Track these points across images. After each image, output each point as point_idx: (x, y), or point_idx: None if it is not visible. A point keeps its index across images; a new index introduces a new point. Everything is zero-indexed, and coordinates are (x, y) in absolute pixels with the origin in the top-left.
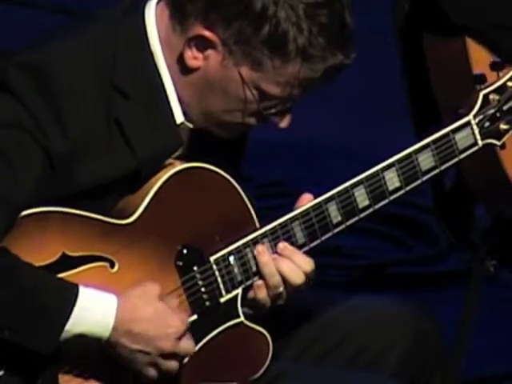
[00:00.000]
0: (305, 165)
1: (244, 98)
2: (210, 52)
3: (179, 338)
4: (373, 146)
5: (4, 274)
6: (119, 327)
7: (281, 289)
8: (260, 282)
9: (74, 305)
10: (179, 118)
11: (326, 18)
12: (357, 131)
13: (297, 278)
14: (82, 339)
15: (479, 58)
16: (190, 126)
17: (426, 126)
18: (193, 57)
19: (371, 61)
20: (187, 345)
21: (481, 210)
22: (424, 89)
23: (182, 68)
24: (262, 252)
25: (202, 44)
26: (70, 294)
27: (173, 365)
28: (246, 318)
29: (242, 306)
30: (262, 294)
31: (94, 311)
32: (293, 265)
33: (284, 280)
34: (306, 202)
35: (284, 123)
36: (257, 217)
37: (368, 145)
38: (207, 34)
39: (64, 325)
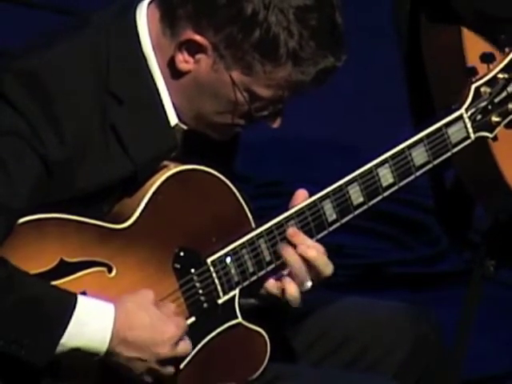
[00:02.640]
0: (302, 165)
1: (235, 100)
2: (200, 56)
3: (176, 343)
4: (371, 146)
5: (2, 284)
6: (114, 337)
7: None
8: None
9: (70, 317)
10: (173, 119)
11: (316, 21)
12: (355, 130)
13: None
14: (78, 353)
15: (470, 49)
16: (184, 127)
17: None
18: (184, 60)
19: (370, 60)
20: (184, 347)
21: (481, 210)
22: (424, 87)
23: (173, 71)
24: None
25: (193, 48)
26: (67, 307)
27: (171, 370)
28: (244, 317)
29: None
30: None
31: (90, 326)
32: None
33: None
34: (302, 198)
35: (275, 124)
36: (252, 217)
37: (366, 144)
38: (198, 38)
39: (60, 337)
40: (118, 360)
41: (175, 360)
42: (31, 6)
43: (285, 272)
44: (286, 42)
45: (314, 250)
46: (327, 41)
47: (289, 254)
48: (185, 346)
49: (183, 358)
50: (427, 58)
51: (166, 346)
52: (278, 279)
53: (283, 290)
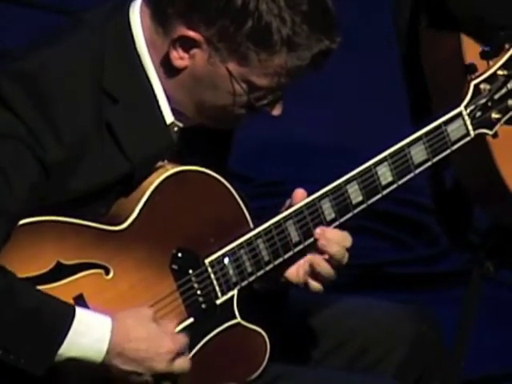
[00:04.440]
0: (302, 164)
1: (233, 91)
2: (195, 51)
3: (173, 359)
4: (371, 145)
5: (2, 295)
6: (112, 350)
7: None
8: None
9: (68, 329)
10: (169, 117)
11: (307, 6)
12: (355, 130)
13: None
14: (75, 362)
15: (470, 47)
16: (180, 125)
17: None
18: (179, 57)
19: (370, 60)
20: (182, 364)
21: (480, 211)
22: (423, 88)
23: (169, 68)
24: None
25: (187, 44)
26: (65, 318)
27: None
28: (243, 317)
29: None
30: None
31: (88, 336)
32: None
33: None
34: (300, 197)
35: (276, 111)
36: (251, 217)
37: (366, 144)
38: (191, 33)
39: (58, 348)
40: (114, 373)
41: (172, 375)
42: (31, 6)
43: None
44: (279, 30)
45: (335, 244)
46: (320, 24)
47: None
48: (182, 362)
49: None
50: (426, 64)
51: (161, 361)
52: (301, 271)
53: (306, 285)
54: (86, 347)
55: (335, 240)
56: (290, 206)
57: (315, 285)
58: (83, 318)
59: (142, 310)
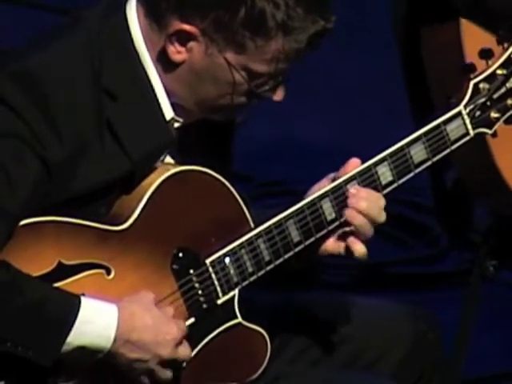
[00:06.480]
0: (305, 164)
1: (234, 81)
2: (192, 44)
3: (177, 345)
4: (372, 146)
5: (7, 288)
6: (119, 337)
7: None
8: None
9: (75, 318)
10: (168, 113)
11: None
12: (355, 130)
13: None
14: (83, 351)
15: (469, 46)
16: (180, 120)
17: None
18: (176, 51)
19: (370, 60)
20: (185, 351)
21: (481, 210)
22: (424, 87)
23: (167, 63)
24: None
25: (183, 37)
26: (72, 307)
27: (169, 373)
28: (244, 317)
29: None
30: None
31: (95, 324)
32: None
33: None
34: (354, 166)
35: (277, 96)
36: (251, 217)
37: (367, 144)
38: (186, 27)
39: (65, 337)
40: (119, 361)
41: (175, 363)
42: (31, 6)
43: (347, 229)
44: (273, 15)
45: (365, 201)
46: (314, 5)
47: (350, 214)
48: (185, 349)
49: (182, 362)
50: (426, 56)
51: (167, 347)
52: (340, 239)
53: (350, 251)
54: (94, 335)
55: (364, 197)
56: (341, 175)
57: (358, 248)
58: (89, 306)
59: (144, 294)
